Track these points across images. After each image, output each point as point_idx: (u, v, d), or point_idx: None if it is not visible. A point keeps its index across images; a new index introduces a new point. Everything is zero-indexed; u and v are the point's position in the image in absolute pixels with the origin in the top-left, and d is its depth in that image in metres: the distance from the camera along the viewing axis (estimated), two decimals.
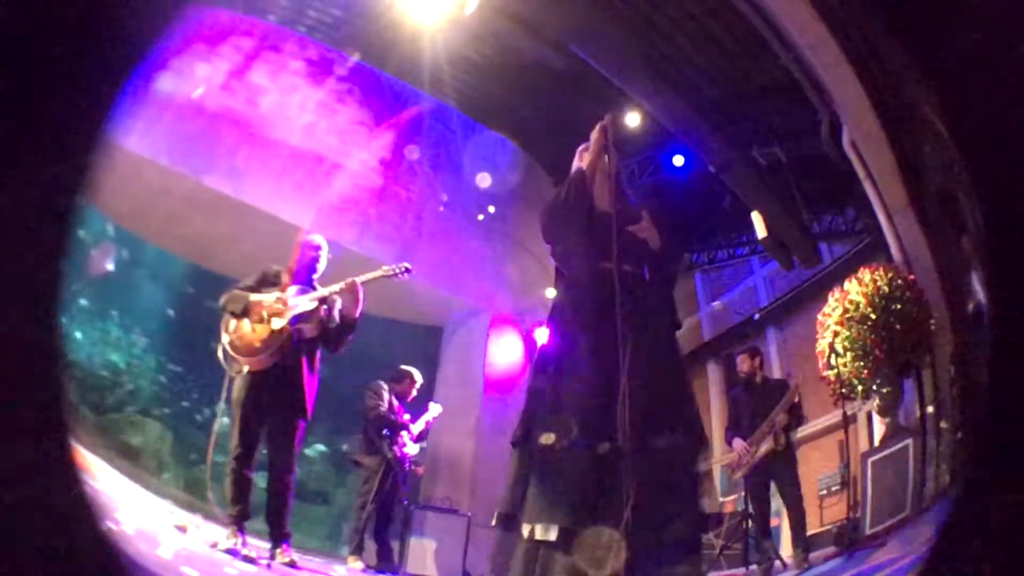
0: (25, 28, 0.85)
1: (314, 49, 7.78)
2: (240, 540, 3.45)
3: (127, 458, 6.88)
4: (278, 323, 3.70)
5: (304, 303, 3.82)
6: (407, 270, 4.07)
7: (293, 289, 3.88)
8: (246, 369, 3.64)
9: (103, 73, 0.92)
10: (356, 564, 5.09)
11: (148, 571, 1.58)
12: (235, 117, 7.22)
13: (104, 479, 4.13)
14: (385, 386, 5.65)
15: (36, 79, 0.86)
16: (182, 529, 3.69)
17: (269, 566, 3.43)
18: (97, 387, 7.71)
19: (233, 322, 3.72)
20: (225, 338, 3.71)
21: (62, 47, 0.88)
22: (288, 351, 3.71)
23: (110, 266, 7.74)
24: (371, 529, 5.38)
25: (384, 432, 5.42)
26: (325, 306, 3.90)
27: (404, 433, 5.55)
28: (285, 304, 3.76)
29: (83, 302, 7.74)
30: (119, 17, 0.91)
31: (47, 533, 0.89)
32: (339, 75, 7.78)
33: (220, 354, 3.73)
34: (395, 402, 5.64)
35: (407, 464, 5.58)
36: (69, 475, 0.93)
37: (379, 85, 8.11)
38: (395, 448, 5.42)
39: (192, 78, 6.87)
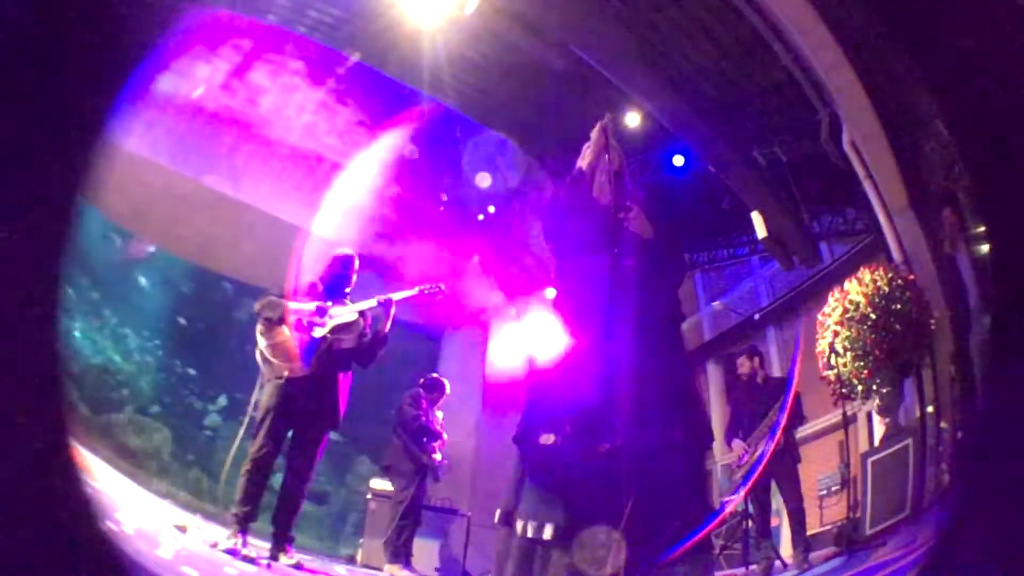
0: (26, 29, 0.85)
1: (314, 49, 7.77)
2: (240, 540, 3.45)
3: (127, 458, 6.87)
4: (320, 332, 3.73)
5: (346, 314, 3.84)
6: (441, 290, 4.09)
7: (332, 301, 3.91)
8: (286, 374, 3.65)
9: (103, 73, 0.92)
10: (403, 573, 5.09)
11: (148, 571, 1.58)
12: (235, 117, 7.22)
13: (104, 479, 4.13)
14: (423, 394, 5.70)
15: (37, 79, 0.86)
16: (182, 529, 3.69)
17: (269, 566, 3.43)
18: (97, 387, 7.70)
19: (270, 328, 3.74)
20: (262, 342, 3.73)
21: (62, 48, 0.88)
22: (326, 361, 3.74)
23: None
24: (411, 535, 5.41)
25: (423, 440, 5.48)
26: (363, 319, 3.94)
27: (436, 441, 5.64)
28: (327, 313, 3.78)
29: (84, 302, 7.73)
30: (119, 18, 0.91)
31: (47, 533, 0.89)
32: (339, 75, 7.77)
33: (258, 357, 3.76)
34: (430, 411, 5.70)
35: (439, 471, 5.63)
36: (69, 475, 0.93)
37: (379, 85, 8.10)
38: (432, 456, 5.50)
39: (192, 78, 6.87)
